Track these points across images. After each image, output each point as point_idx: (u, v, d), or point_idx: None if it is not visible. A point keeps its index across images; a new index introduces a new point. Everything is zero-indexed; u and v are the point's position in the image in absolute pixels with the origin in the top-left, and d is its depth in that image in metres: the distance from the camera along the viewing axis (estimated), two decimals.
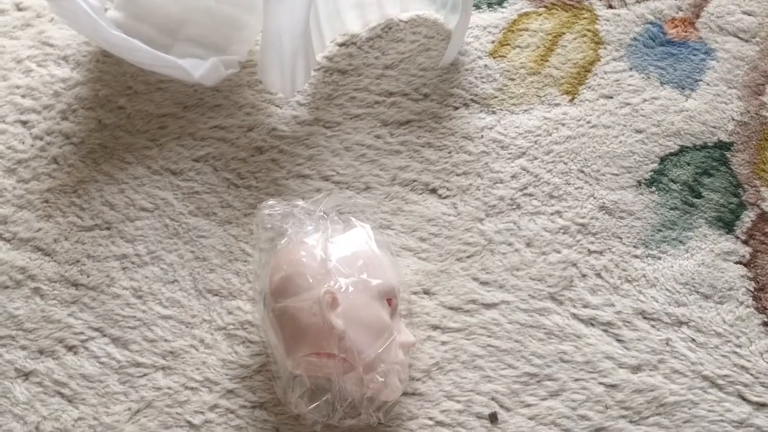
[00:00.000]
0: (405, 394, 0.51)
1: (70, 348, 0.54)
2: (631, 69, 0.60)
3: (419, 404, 0.51)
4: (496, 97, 0.60)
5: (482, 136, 0.59)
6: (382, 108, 0.61)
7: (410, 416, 0.51)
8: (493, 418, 0.50)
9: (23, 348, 0.54)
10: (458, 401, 0.51)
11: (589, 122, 0.59)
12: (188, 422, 0.51)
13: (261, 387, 0.52)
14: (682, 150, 0.57)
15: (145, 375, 0.52)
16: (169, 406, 0.51)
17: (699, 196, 0.56)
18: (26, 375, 0.53)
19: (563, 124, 0.59)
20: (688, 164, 0.57)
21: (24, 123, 0.61)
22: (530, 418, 0.50)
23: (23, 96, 0.62)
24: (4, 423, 0.52)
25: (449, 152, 0.59)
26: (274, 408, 0.51)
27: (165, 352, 0.53)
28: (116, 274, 0.56)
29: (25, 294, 0.55)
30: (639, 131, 0.58)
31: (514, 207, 0.56)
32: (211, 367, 0.52)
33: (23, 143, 0.61)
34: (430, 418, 0.51)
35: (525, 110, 0.60)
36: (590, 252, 0.54)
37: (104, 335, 0.54)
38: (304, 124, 0.60)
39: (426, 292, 0.54)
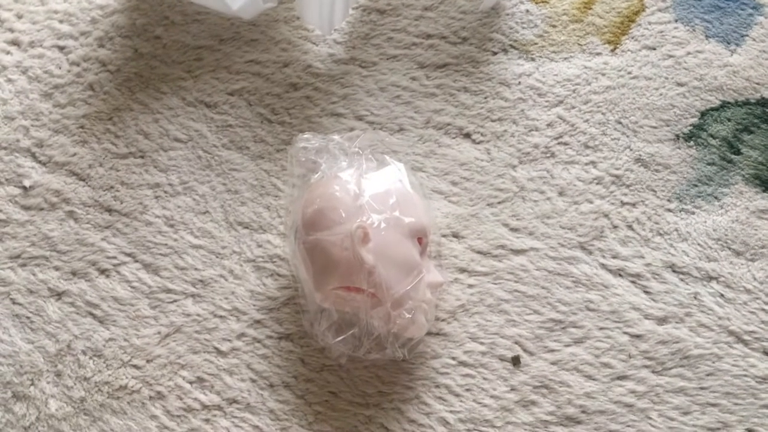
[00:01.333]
0: (430, 333, 0.51)
1: (103, 271, 0.54)
2: (676, 21, 0.59)
3: (443, 344, 0.52)
4: (536, 43, 0.59)
5: (520, 82, 0.58)
6: (419, 50, 0.60)
7: (434, 355, 0.51)
8: (515, 361, 0.51)
9: (56, 269, 0.55)
10: (482, 343, 0.51)
11: (630, 73, 0.58)
12: (216, 348, 0.52)
13: (287, 319, 0.53)
14: (724, 105, 0.56)
15: (175, 301, 0.53)
16: (197, 332, 0.52)
17: (738, 152, 0.55)
18: (59, 295, 0.54)
19: (603, 74, 0.58)
20: (729, 120, 0.56)
21: (61, 48, 0.61)
22: (553, 363, 0.50)
23: (61, 21, 0.62)
24: (36, 339, 0.53)
25: (485, 97, 0.58)
26: (299, 340, 0.52)
27: (195, 280, 0.54)
28: (149, 202, 0.56)
29: (60, 217, 0.56)
30: (680, 84, 0.57)
31: (548, 155, 0.56)
32: (239, 297, 0.53)
33: (60, 68, 0.61)
34: (453, 358, 0.51)
35: (565, 58, 0.59)
36: (623, 203, 0.54)
37: (136, 261, 0.55)
38: (340, 63, 0.60)
39: (455, 235, 0.54)
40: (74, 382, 0.52)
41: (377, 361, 0.50)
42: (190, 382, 0.51)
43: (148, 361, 0.52)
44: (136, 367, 0.52)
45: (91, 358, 0.52)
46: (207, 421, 0.50)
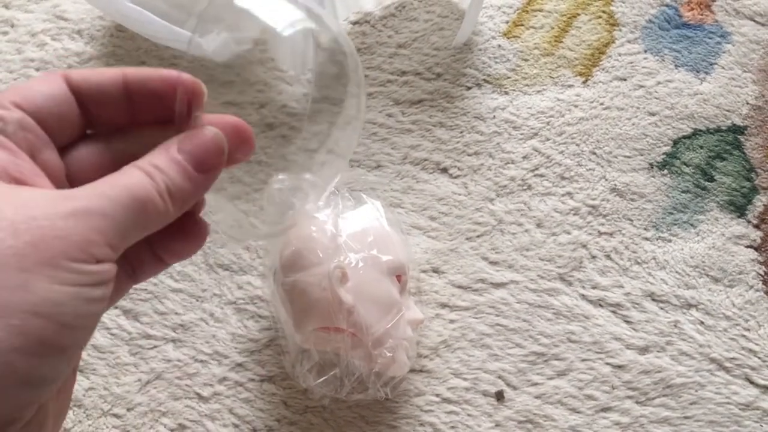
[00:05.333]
0: (412, 370, 0.51)
1: None
2: (645, 51, 0.60)
3: (426, 381, 0.51)
4: (509, 77, 0.60)
5: (494, 116, 0.59)
6: (394, 87, 0.60)
7: (417, 392, 0.51)
8: (499, 396, 0.51)
9: None
10: (465, 379, 0.51)
11: (602, 104, 0.58)
12: (197, 394, 0.52)
13: (270, 361, 0.52)
14: (696, 133, 0.57)
15: (155, 347, 0.53)
16: (178, 377, 0.52)
17: (711, 179, 0.55)
18: None
19: (576, 106, 0.58)
20: (701, 147, 0.56)
21: None
22: (537, 397, 0.50)
23: (37, 69, 0.63)
24: None
25: (461, 132, 0.58)
26: (282, 382, 0.52)
27: (175, 325, 0.53)
28: None
29: None
30: (652, 114, 0.58)
31: (525, 187, 0.56)
32: (220, 341, 0.53)
33: None
34: (437, 395, 0.51)
35: (538, 91, 0.59)
36: (600, 233, 0.54)
37: (115, 307, 0.54)
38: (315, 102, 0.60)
39: (435, 271, 0.54)
40: None
41: (360, 401, 0.50)
42: (172, 430, 0.51)
43: (128, 410, 0.51)
44: (116, 416, 0.51)
45: (70, 408, 0.52)
46: None
